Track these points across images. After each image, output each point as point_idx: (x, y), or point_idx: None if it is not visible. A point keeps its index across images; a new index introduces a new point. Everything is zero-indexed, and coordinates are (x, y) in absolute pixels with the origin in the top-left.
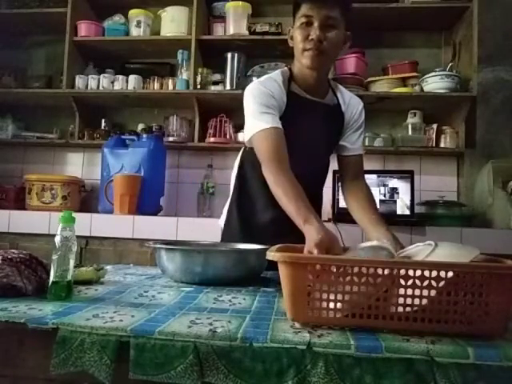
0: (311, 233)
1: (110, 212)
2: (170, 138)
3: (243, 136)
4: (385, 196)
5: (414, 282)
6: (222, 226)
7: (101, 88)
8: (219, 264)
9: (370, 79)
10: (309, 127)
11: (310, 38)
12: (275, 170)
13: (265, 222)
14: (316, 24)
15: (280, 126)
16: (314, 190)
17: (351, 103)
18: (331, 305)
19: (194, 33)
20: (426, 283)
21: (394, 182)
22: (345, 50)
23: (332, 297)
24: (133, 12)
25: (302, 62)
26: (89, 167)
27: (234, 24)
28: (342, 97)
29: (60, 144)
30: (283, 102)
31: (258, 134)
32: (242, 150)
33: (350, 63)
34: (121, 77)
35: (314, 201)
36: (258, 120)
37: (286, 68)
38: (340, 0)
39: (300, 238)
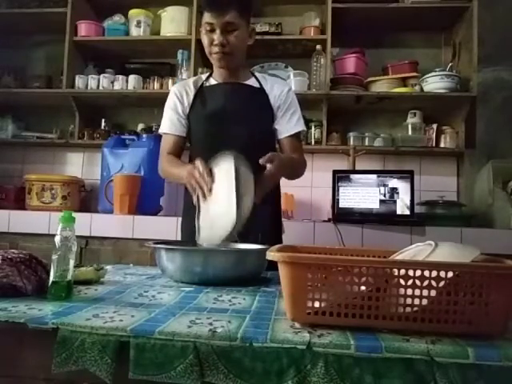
0: (187, 168)
1: (110, 212)
2: None
3: None
4: (385, 196)
5: (413, 282)
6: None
7: (101, 88)
8: (219, 264)
9: (369, 79)
10: (225, 102)
11: (214, 43)
12: (162, 162)
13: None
14: (218, 31)
15: (175, 132)
16: (252, 168)
17: (275, 86)
18: (331, 305)
19: (194, 33)
20: (426, 283)
21: (393, 182)
22: (253, 39)
23: (332, 297)
24: (133, 12)
25: (213, 63)
26: (89, 167)
27: None
28: (265, 82)
29: (60, 144)
30: (190, 99)
31: (162, 135)
32: None
33: (350, 63)
34: (121, 77)
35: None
36: (164, 123)
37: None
38: (235, 5)
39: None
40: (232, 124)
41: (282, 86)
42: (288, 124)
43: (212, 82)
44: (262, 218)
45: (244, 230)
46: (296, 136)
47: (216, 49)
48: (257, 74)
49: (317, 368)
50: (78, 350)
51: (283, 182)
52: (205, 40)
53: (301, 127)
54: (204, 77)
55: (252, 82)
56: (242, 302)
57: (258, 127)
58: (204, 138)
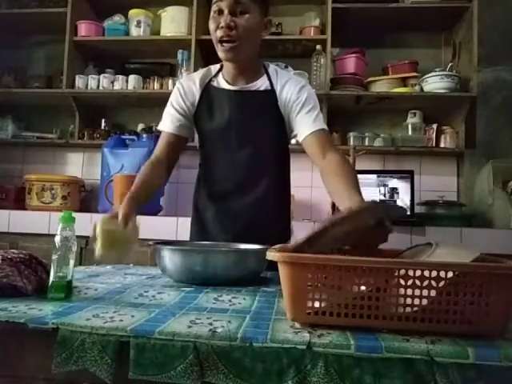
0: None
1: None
2: None
3: None
4: (385, 196)
5: (413, 282)
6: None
7: (101, 88)
8: (219, 264)
9: (369, 79)
10: (231, 118)
11: (221, 25)
12: (144, 165)
13: (208, 218)
14: (225, 11)
15: (172, 131)
16: (257, 178)
17: (287, 85)
18: (331, 305)
19: (194, 33)
20: (426, 283)
21: (393, 182)
22: (266, 34)
23: (332, 297)
24: (133, 12)
25: (219, 55)
26: (89, 167)
27: None
28: (277, 81)
29: (60, 144)
30: (195, 98)
31: (161, 132)
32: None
33: (350, 63)
34: (121, 77)
35: (259, 188)
36: (164, 119)
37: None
38: None
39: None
40: (239, 135)
41: (294, 84)
42: (306, 124)
43: (220, 81)
44: (274, 220)
45: (257, 232)
46: (318, 131)
47: (221, 32)
48: (270, 68)
49: (317, 368)
50: (78, 350)
51: None
52: (211, 25)
53: (320, 125)
54: (214, 71)
55: (262, 81)
56: (242, 302)
57: (267, 139)
58: (212, 145)
